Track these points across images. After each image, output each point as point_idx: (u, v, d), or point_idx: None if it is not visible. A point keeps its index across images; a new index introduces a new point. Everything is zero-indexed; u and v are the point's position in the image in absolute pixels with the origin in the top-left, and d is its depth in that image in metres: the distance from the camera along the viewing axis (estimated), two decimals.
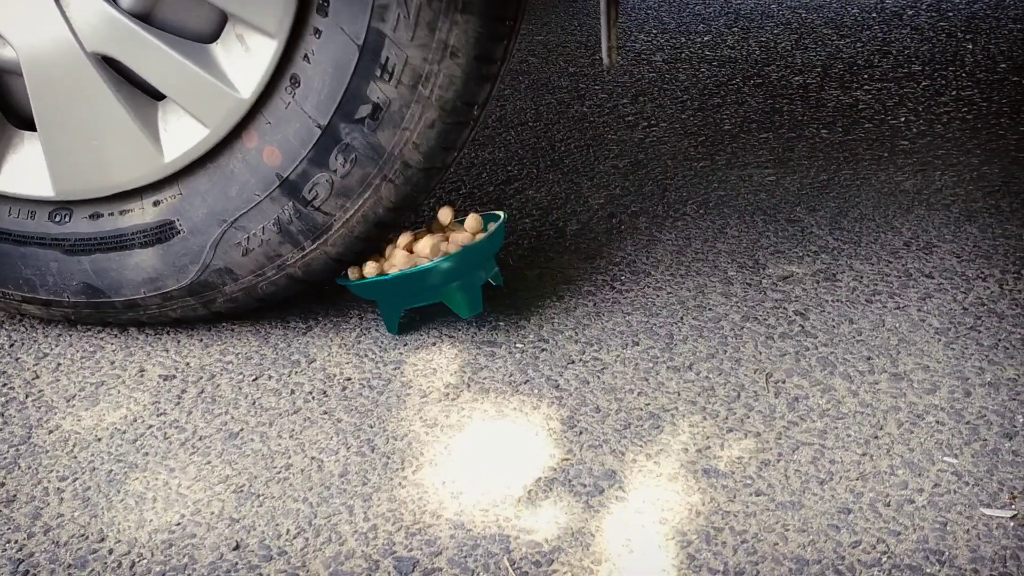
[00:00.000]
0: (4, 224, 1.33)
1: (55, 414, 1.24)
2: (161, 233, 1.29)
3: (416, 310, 1.41)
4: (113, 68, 1.24)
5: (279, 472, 1.12)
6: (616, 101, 2.34)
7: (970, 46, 2.66)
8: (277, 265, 1.29)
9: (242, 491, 1.09)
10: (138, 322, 1.38)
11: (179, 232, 1.29)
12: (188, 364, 1.33)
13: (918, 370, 1.25)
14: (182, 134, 1.26)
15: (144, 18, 1.22)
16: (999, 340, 1.30)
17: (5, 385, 1.30)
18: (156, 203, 1.29)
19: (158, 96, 1.28)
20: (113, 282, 1.33)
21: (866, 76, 2.44)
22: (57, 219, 1.31)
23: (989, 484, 1.06)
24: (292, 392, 1.26)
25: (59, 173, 1.28)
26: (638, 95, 2.38)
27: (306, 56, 1.18)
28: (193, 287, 1.32)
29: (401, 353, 1.33)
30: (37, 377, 1.31)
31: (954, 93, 2.26)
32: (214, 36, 1.25)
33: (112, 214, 1.31)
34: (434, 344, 1.34)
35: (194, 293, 1.33)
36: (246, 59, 1.21)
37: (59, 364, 1.34)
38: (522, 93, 2.45)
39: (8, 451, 1.17)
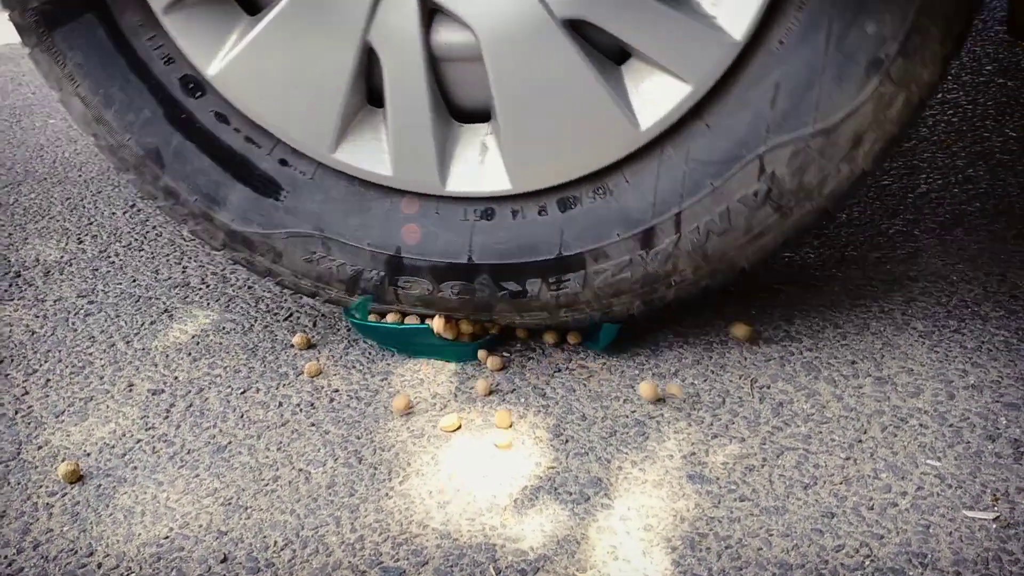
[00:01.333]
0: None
1: (44, 430, 1.24)
2: (266, 187, 1.26)
3: None
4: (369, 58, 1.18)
5: (267, 484, 1.13)
6: None
7: None
8: (314, 283, 1.29)
9: (230, 504, 1.10)
10: (174, 198, 1.30)
11: (279, 201, 1.26)
12: (176, 378, 1.33)
13: (902, 373, 1.26)
14: (371, 153, 1.22)
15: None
16: (983, 343, 1.31)
17: None
18: (283, 162, 1.25)
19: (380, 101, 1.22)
20: (200, 184, 1.28)
21: None
22: (222, 116, 1.26)
23: (972, 486, 1.06)
24: (280, 404, 1.27)
25: (254, 90, 1.21)
26: None
27: (516, 215, 1.19)
28: (236, 236, 1.30)
29: (389, 364, 1.34)
30: (26, 393, 1.32)
31: (940, 96, 2.27)
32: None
33: (249, 140, 1.26)
34: None
35: (232, 238, 1.30)
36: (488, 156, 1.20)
37: (48, 380, 1.34)
38: None
39: None
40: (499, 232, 1.20)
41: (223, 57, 1.22)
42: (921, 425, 1.16)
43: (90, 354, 1.40)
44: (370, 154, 1.22)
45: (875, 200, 1.74)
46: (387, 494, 1.10)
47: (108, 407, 1.28)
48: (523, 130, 1.14)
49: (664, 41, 1.04)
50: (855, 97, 0.99)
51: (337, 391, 1.29)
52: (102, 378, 1.34)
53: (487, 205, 1.20)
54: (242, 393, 1.30)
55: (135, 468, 1.17)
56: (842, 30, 0.98)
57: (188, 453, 1.19)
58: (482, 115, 1.22)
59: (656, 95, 1.08)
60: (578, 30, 1.09)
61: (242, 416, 1.25)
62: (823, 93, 1.00)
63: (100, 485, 1.14)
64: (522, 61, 1.09)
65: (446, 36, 1.16)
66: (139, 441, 1.21)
